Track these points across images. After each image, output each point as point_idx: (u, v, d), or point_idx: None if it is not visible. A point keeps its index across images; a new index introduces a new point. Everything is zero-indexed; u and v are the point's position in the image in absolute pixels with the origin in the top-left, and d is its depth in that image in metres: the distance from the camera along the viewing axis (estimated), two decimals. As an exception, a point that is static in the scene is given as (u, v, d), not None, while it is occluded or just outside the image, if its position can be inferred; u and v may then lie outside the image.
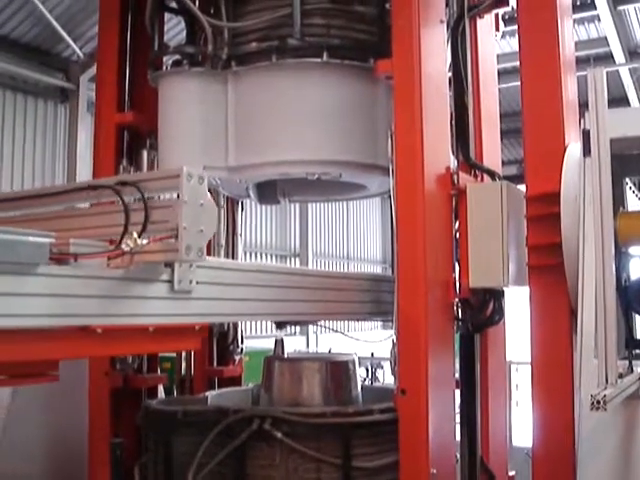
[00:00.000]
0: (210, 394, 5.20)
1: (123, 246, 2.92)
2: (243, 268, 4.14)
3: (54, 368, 2.96)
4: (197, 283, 3.42)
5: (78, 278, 2.87)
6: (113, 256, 2.95)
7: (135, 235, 2.94)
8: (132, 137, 5.30)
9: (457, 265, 4.55)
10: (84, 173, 13.37)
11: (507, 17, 5.61)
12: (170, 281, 3.29)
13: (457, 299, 4.53)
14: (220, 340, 5.92)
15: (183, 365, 5.95)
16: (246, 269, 4.11)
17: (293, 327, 5.35)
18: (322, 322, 5.45)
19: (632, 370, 3.65)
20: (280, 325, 5.01)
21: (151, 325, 3.18)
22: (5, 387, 4.36)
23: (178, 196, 3.09)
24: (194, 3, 4.93)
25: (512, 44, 11.97)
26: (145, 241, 2.97)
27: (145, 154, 5.22)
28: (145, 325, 3.16)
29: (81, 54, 13.93)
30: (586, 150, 3.72)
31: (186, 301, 3.40)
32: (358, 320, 5.35)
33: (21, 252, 2.60)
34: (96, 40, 5.77)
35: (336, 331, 5.85)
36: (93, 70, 12.62)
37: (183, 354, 5.90)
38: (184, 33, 5.24)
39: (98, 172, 5.25)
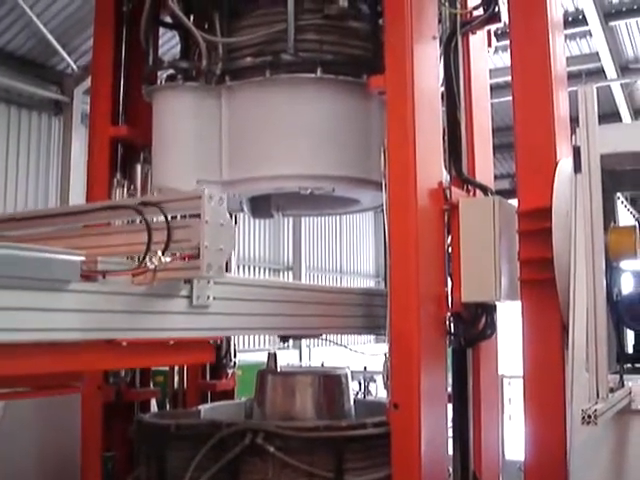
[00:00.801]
0: (203, 408, 5.20)
1: (148, 264, 3.05)
2: (257, 284, 4.28)
3: (78, 379, 3.10)
4: (214, 299, 3.54)
5: (106, 294, 3.00)
6: (138, 273, 3.07)
7: (159, 253, 3.07)
8: (126, 150, 5.32)
9: (449, 279, 4.57)
10: (78, 186, 13.32)
11: (500, 32, 5.64)
12: (189, 297, 3.42)
13: (449, 313, 4.55)
14: (213, 354, 5.90)
15: (176, 379, 5.93)
16: (260, 285, 4.24)
17: (286, 341, 5.35)
18: (325, 336, 5.45)
19: (623, 384, 3.65)
20: (284, 338, 5.04)
21: (172, 339, 3.34)
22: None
23: (197, 215, 3.21)
24: (188, 18, 4.96)
25: (504, 59, 12.01)
26: (169, 259, 3.11)
27: (139, 168, 5.24)
28: (166, 338, 3.32)
29: (75, 67, 13.93)
30: (577, 167, 3.74)
31: (203, 316, 3.52)
32: (353, 334, 5.38)
33: (54, 269, 2.71)
34: (90, 53, 5.77)
35: (341, 345, 5.86)
36: (87, 83, 12.66)
37: (176, 368, 5.89)
38: (178, 47, 5.26)
39: (92, 185, 5.27)
